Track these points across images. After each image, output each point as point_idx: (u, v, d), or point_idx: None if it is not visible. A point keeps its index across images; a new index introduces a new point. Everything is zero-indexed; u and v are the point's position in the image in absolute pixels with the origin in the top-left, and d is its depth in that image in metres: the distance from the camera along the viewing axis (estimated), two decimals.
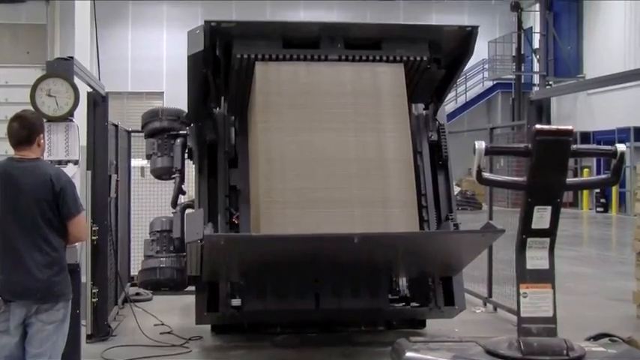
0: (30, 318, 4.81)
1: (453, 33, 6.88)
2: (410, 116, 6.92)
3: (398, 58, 6.70)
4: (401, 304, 7.33)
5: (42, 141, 5.09)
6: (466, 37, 6.88)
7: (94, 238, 7.51)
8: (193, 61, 6.60)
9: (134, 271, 10.51)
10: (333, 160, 6.34)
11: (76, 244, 5.57)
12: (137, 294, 9.93)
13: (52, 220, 4.88)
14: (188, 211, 7.28)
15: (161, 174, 7.90)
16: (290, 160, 6.30)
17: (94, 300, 7.54)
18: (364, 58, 6.66)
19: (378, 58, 6.68)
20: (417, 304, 7.25)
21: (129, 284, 10.11)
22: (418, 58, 6.72)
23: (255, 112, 6.48)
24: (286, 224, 6.05)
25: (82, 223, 5.14)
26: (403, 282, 7.44)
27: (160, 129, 7.75)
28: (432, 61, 6.88)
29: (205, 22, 6.40)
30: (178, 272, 7.12)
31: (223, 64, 6.68)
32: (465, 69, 36.34)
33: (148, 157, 7.92)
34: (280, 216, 6.13)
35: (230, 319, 7.04)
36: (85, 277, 7.17)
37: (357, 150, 6.39)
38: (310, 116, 6.45)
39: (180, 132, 7.71)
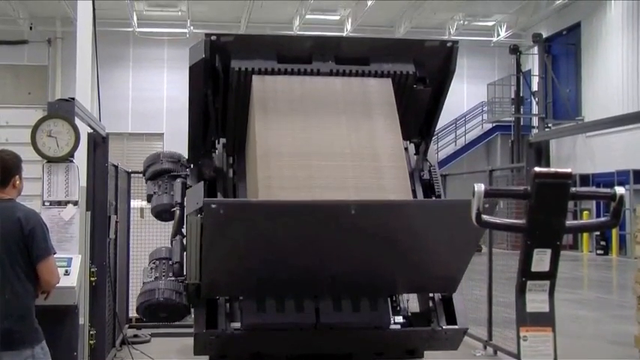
0: None
1: (435, 49, 7.14)
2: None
3: (385, 73, 6.96)
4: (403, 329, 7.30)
5: (18, 182, 5.03)
6: (448, 53, 7.11)
7: (92, 279, 7.49)
8: (194, 72, 6.79)
9: (132, 312, 10.47)
10: (328, 154, 6.61)
11: (64, 285, 5.50)
12: (135, 336, 9.89)
13: (21, 263, 4.78)
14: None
15: (161, 211, 7.93)
16: (287, 152, 6.54)
17: (91, 342, 7.49)
18: (354, 72, 6.94)
19: (367, 72, 6.95)
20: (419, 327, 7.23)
21: (127, 326, 10.06)
22: (404, 72, 6.98)
23: (253, 115, 6.73)
24: None
25: (52, 267, 5.00)
26: (404, 300, 7.45)
27: (161, 171, 7.83)
28: (418, 80, 7.11)
29: (206, 35, 6.67)
30: (178, 294, 7.11)
31: (222, 79, 6.87)
32: (464, 111, 36.56)
33: (149, 197, 7.95)
34: (277, 197, 6.24)
35: (229, 341, 6.98)
36: (83, 319, 7.13)
37: (350, 145, 6.68)
38: (305, 117, 6.79)
39: (181, 173, 7.78)
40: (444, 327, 7.09)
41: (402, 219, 6.31)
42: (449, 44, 7.14)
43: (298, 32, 33.99)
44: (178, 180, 7.74)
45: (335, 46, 7.19)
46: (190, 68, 6.84)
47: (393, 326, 7.24)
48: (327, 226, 6.05)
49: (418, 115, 7.51)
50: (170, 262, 7.26)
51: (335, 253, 6.32)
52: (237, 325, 6.85)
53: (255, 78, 6.84)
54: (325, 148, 6.63)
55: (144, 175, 8.02)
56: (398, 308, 7.49)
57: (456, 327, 7.14)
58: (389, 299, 7.33)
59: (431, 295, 7.37)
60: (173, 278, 7.17)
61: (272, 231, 6.08)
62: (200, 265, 6.41)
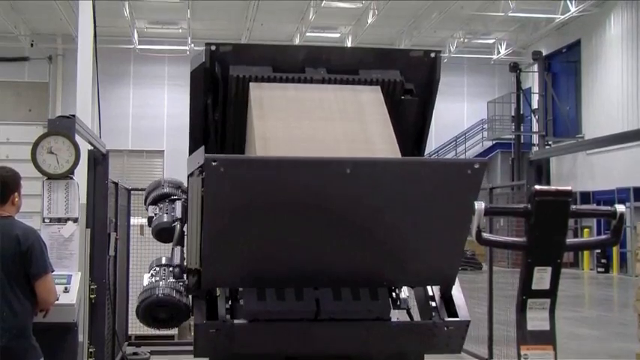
0: None
1: (420, 59, 7.34)
2: None
3: (374, 80, 7.21)
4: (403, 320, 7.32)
5: (17, 199, 5.03)
6: (432, 63, 7.29)
7: (92, 296, 7.46)
8: (195, 77, 6.94)
9: (132, 330, 10.44)
10: (323, 141, 6.88)
11: (63, 303, 5.46)
12: (134, 353, 9.84)
13: (18, 281, 4.78)
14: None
15: (161, 229, 7.95)
16: (284, 139, 6.73)
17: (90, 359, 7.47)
18: (344, 80, 7.21)
19: (356, 80, 7.22)
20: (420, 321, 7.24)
21: (126, 343, 10.02)
22: (392, 80, 7.20)
23: (251, 114, 6.94)
24: None
25: (50, 285, 5.00)
26: (403, 294, 7.48)
27: (162, 195, 7.88)
28: (405, 91, 7.28)
29: (206, 44, 6.85)
30: (178, 293, 7.12)
31: (221, 86, 7.01)
32: (465, 129, 36.45)
33: (149, 220, 7.97)
34: None
35: (230, 335, 6.96)
36: (82, 336, 7.11)
37: (344, 134, 6.99)
38: (300, 112, 7.06)
39: (182, 197, 7.82)
40: (445, 319, 7.09)
41: (397, 180, 6.35)
42: (432, 54, 7.33)
43: None
44: (179, 202, 7.79)
45: (326, 56, 7.41)
46: (191, 74, 7.00)
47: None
48: (324, 190, 6.10)
49: (408, 132, 7.59)
50: (170, 268, 7.30)
51: (331, 227, 6.37)
52: (238, 321, 6.89)
53: (252, 84, 7.05)
54: (320, 136, 6.86)
55: (145, 202, 8.07)
56: (398, 302, 7.52)
57: (457, 319, 7.13)
58: (388, 296, 7.37)
59: (430, 294, 7.40)
60: (174, 280, 7.20)
61: (271, 194, 6.14)
62: (199, 244, 6.42)
